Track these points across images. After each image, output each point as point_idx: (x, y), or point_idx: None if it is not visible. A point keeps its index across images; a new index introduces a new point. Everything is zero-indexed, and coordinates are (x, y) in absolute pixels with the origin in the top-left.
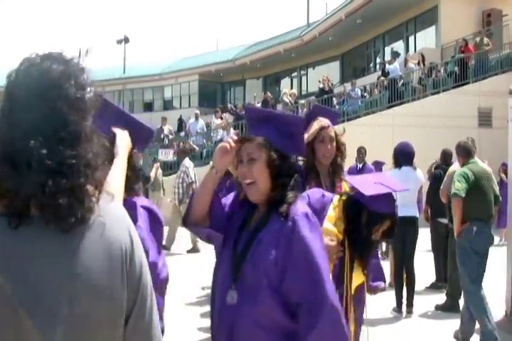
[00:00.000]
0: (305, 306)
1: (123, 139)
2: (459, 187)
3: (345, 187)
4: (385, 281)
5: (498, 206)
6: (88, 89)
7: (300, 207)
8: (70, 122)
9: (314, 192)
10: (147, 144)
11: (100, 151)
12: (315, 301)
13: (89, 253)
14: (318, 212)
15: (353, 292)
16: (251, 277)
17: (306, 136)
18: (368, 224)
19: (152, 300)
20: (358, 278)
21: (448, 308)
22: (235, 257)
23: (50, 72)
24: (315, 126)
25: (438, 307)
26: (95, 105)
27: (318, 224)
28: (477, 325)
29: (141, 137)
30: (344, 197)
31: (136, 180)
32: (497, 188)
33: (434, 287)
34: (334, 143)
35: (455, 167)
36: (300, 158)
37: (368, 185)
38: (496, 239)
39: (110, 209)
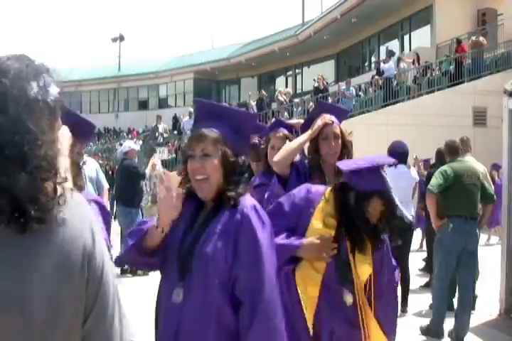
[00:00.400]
0: (244, 305)
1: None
2: (433, 183)
3: None
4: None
5: (492, 205)
6: (52, 89)
7: (248, 200)
8: (24, 119)
9: (300, 190)
10: (89, 139)
11: (58, 146)
12: (252, 300)
13: (46, 255)
14: (304, 209)
15: (361, 287)
16: (199, 274)
17: (309, 132)
18: (357, 204)
19: (115, 300)
20: (364, 271)
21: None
22: (182, 253)
23: (9, 71)
24: (318, 122)
25: (432, 307)
26: (59, 105)
27: (267, 217)
28: (472, 324)
29: (83, 132)
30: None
31: (80, 176)
32: (491, 187)
33: (428, 286)
34: (339, 141)
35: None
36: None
37: (352, 162)
38: (495, 239)
39: (73, 206)
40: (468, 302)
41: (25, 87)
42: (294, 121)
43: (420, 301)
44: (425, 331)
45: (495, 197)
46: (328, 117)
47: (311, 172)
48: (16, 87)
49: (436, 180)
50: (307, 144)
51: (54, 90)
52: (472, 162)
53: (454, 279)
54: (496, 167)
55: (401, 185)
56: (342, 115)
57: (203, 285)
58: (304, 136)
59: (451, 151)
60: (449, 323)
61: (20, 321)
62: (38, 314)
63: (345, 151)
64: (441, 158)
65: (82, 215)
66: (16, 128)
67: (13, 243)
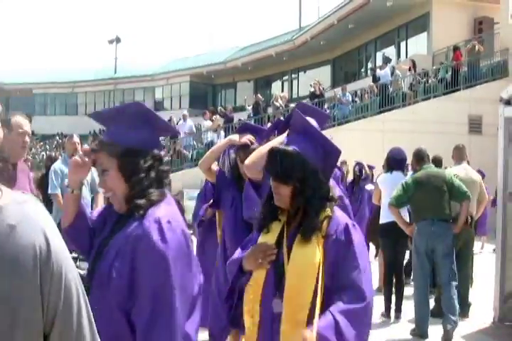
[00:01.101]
0: (138, 330)
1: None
2: (393, 196)
3: None
4: None
5: (467, 202)
6: None
7: (161, 210)
8: None
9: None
10: None
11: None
12: (146, 327)
13: None
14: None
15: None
16: (97, 292)
17: (283, 136)
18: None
19: (81, 306)
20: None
21: (437, 314)
22: (89, 268)
23: None
24: (278, 139)
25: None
26: None
27: (172, 233)
28: (466, 332)
29: None
30: None
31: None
32: (463, 186)
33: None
34: None
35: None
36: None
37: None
38: (491, 247)
39: (20, 209)
40: (452, 304)
41: None
42: None
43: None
44: (415, 333)
45: (468, 193)
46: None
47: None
48: None
49: (395, 193)
50: None
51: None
52: (465, 170)
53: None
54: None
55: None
56: (322, 119)
57: (100, 303)
58: (279, 139)
59: (418, 160)
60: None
61: None
62: None
63: None
64: (436, 164)
65: (31, 220)
66: None
67: None
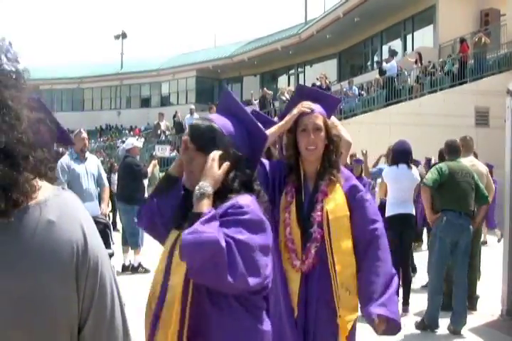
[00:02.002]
0: None
1: None
2: (429, 177)
3: (334, 190)
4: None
5: (485, 206)
6: (20, 60)
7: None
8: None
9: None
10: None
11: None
12: None
13: (30, 260)
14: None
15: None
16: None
17: (281, 123)
18: None
19: (114, 303)
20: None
21: (445, 307)
22: None
23: None
24: (293, 111)
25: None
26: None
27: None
28: (474, 325)
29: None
30: None
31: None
32: (485, 190)
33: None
34: (322, 134)
35: None
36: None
37: None
38: (494, 239)
39: (60, 205)
40: (463, 296)
41: None
42: None
43: (422, 301)
44: (420, 325)
45: (488, 198)
46: (306, 105)
47: (286, 174)
48: None
49: (431, 175)
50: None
51: (21, 62)
52: (472, 163)
53: (450, 278)
54: (488, 167)
55: (402, 184)
56: (331, 105)
57: None
58: (273, 128)
59: (450, 151)
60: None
61: None
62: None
63: (332, 147)
64: (443, 158)
65: (70, 216)
66: None
67: None
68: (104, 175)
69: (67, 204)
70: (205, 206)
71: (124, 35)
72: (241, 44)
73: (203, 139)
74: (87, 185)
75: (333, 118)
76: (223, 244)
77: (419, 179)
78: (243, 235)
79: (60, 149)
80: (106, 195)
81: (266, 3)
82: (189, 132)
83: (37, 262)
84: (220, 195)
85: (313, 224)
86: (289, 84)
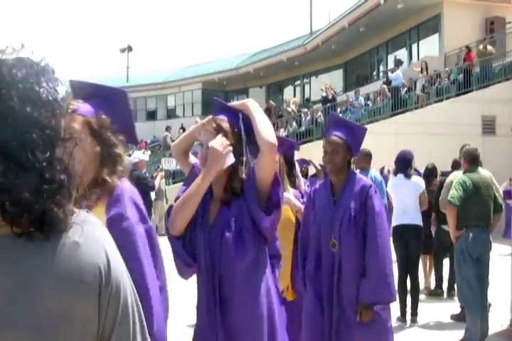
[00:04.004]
0: None
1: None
2: (454, 195)
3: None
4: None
5: (499, 214)
6: (59, 88)
7: None
8: (42, 124)
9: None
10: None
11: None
12: None
13: (56, 281)
14: None
15: None
16: None
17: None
18: None
19: (135, 324)
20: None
21: (464, 318)
22: None
23: (17, 73)
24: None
25: (453, 317)
26: (67, 104)
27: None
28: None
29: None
30: None
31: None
32: (500, 197)
33: (433, 294)
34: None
35: (452, 177)
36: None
37: None
38: (508, 249)
39: (84, 227)
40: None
41: (38, 90)
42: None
43: (429, 311)
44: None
45: (502, 206)
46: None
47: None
48: (28, 92)
49: (456, 192)
50: None
51: (61, 89)
52: (483, 172)
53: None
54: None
55: (401, 194)
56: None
57: None
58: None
59: (472, 160)
60: (461, 334)
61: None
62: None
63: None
64: (457, 167)
65: (94, 239)
66: (38, 132)
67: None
68: None
69: (92, 227)
70: None
71: (129, 49)
72: (246, 56)
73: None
74: None
75: (251, 105)
76: None
77: (422, 187)
78: None
79: None
80: None
81: (271, 14)
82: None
83: (62, 284)
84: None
85: None
86: (294, 95)
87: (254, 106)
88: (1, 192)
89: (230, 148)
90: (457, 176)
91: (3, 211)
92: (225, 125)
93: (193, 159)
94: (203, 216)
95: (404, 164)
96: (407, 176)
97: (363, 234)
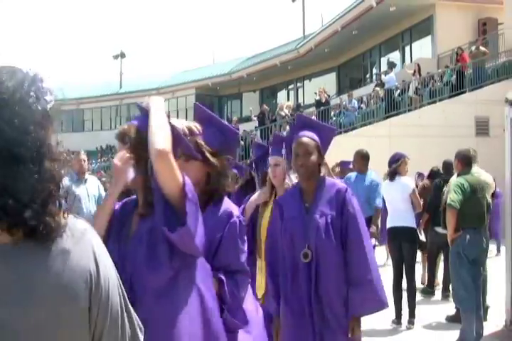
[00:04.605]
0: None
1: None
2: (454, 198)
3: None
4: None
5: (489, 214)
6: (48, 97)
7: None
8: (30, 137)
9: None
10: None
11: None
12: None
13: (43, 285)
14: None
15: None
16: None
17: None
18: None
19: (124, 327)
20: None
21: (459, 319)
22: None
23: (6, 84)
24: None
25: (448, 319)
26: (56, 116)
27: None
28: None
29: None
30: None
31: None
32: (489, 197)
33: (424, 292)
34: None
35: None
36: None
37: None
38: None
39: (74, 234)
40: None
41: (27, 100)
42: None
43: (426, 313)
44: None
45: (491, 206)
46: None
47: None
48: (18, 102)
49: (456, 196)
50: None
51: (50, 98)
52: (481, 174)
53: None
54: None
55: (390, 196)
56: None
57: None
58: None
59: (466, 162)
60: (457, 335)
61: None
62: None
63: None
64: (448, 168)
65: (84, 244)
66: (28, 144)
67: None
68: (104, 196)
69: (81, 234)
70: None
71: (122, 55)
72: (239, 60)
73: None
74: (88, 207)
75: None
76: None
77: (410, 187)
78: None
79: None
80: None
81: (263, 18)
82: None
83: (54, 290)
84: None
85: None
86: (288, 99)
87: (154, 105)
88: (1, 196)
89: (131, 161)
90: (454, 179)
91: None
92: (132, 132)
93: None
94: (121, 229)
95: (390, 166)
96: (393, 178)
97: (340, 241)
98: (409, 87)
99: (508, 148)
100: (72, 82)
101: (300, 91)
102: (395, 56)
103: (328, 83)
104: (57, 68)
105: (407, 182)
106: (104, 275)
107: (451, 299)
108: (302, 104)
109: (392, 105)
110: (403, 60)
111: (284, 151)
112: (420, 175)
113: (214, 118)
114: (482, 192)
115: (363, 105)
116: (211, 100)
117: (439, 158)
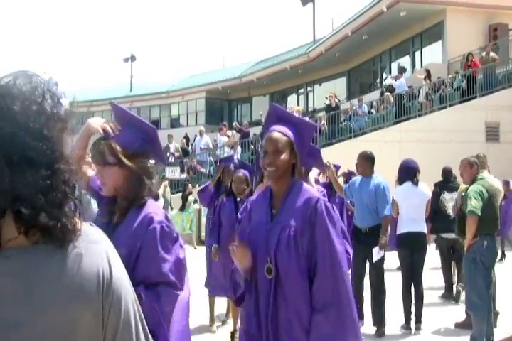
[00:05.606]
0: None
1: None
2: (476, 205)
3: None
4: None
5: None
6: (63, 100)
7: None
8: (45, 141)
9: None
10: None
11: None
12: None
13: (60, 294)
14: None
15: None
16: None
17: None
18: None
19: (138, 328)
20: None
21: (469, 325)
22: None
23: (21, 88)
24: None
25: (458, 325)
26: (70, 119)
27: None
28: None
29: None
30: None
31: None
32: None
33: (445, 297)
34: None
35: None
36: None
37: None
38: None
39: (87, 238)
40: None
41: (42, 104)
42: None
43: (434, 318)
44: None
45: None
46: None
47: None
48: (32, 106)
49: (477, 202)
50: None
51: (64, 102)
52: (492, 180)
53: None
54: (506, 184)
55: (410, 202)
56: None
57: None
58: None
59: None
60: None
61: None
62: None
63: None
64: (447, 175)
65: (96, 248)
66: (42, 148)
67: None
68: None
69: (94, 238)
70: None
71: (133, 58)
72: (250, 64)
73: None
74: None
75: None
76: None
77: (428, 195)
78: None
79: None
80: None
81: (274, 23)
82: None
83: (67, 293)
84: None
85: None
86: (298, 104)
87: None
88: (16, 202)
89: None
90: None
91: (16, 221)
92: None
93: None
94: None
95: (410, 172)
96: (415, 184)
97: (306, 259)
98: (419, 92)
99: None
100: (82, 84)
101: (310, 95)
102: (405, 61)
103: (338, 88)
104: (68, 71)
105: (426, 189)
106: (117, 277)
107: (461, 303)
108: (312, 109)
109: (402, 110)
110: (413, 65)
111: None
112: None
113: (134, 118)
114: (497, 198)
115: (373, 110)
116: (221, 104)
117: (449, 164)
